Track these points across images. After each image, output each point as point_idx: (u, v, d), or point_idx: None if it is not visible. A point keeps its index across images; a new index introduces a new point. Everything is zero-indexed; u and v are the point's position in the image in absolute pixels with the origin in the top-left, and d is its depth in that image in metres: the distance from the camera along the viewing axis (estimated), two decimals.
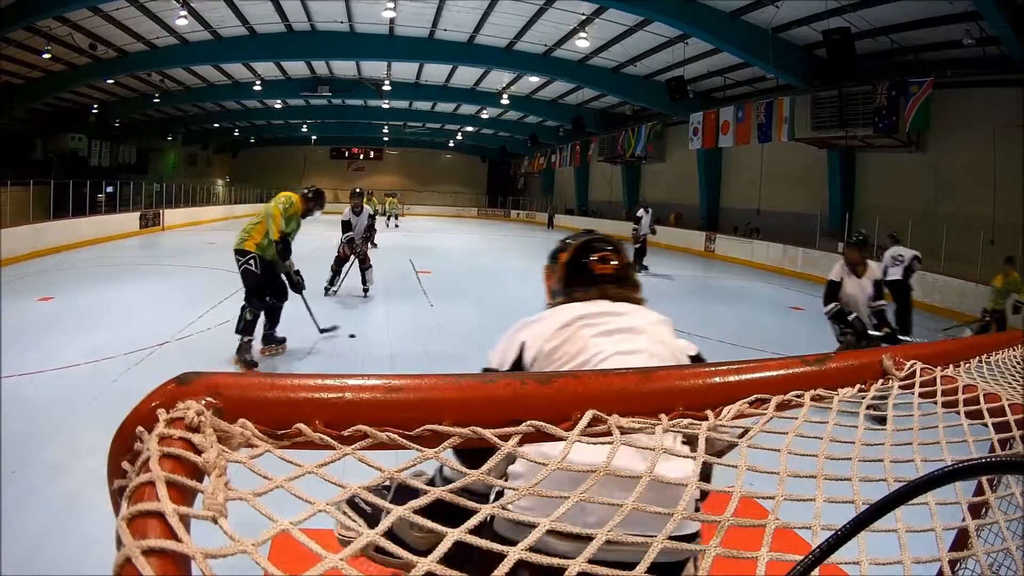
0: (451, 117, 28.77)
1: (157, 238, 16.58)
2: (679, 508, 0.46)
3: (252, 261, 5.07)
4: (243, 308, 5.08)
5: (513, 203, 36.55)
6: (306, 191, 5.45)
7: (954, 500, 0.54)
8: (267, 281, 5.16)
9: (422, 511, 0.40)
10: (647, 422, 0.54)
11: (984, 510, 0.58)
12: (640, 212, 12.89)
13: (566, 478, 0.48)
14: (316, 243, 10.46)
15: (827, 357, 0.70)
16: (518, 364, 1.23)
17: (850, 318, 4.77)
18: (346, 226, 8.06)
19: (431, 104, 25.73)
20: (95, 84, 18.43)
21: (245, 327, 5.05)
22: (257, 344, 5.27)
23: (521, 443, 0.49)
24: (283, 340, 5.55)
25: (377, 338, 6.17)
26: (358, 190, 8.48)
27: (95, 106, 21.20)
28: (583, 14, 13.68)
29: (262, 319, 5.23)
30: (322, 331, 5.87)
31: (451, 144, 35.91)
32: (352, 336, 6.06)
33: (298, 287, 5.34)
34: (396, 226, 23.98)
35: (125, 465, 0.39)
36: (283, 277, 5.29)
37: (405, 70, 20.76)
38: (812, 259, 13.74)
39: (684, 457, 0.57)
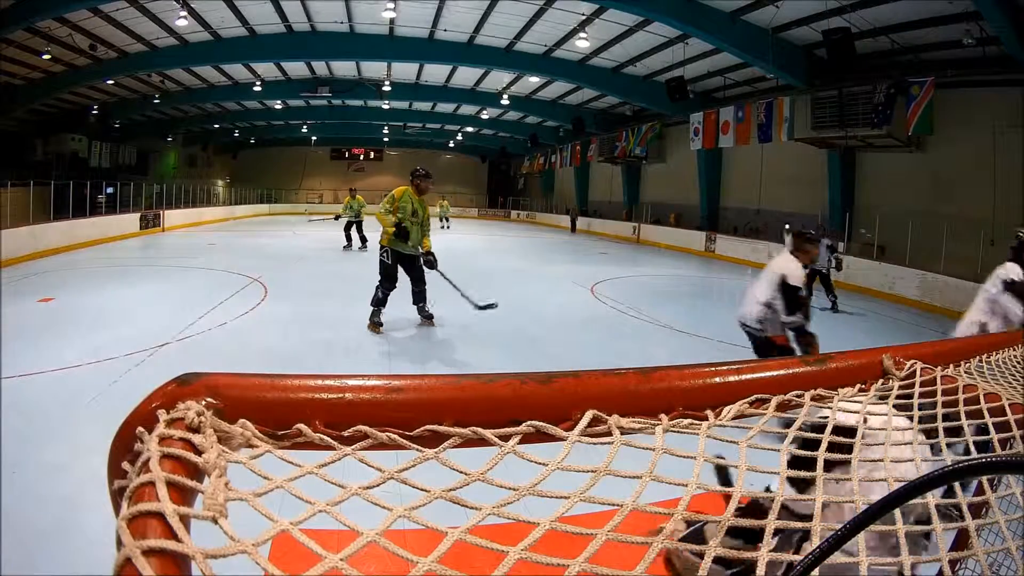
0: (451, 117, 28.78)
1: (157, 239, 16.58)
2: (679, 508, 0.46)
3: (385, 253, 6.30)
4: (376, 287, 6.34)
5: (513, 203, 36.56)
6: (413, 174, 6.41)
7: (954, 500, 0.54)
8: (405, 269, 6.35)
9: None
10: (647, 422, 0.54)
11: (984, 510, 0.58)
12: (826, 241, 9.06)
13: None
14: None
15: (827, 357, 0.70)
16: None
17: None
18: (792, 291, 4.18)
19: (431, 104, 25.74)
20: (95, 85, 18.44)
21: (376, 301, 6.34)
22: (405, 316, 6.66)
23: (521, 443, 0.49)
24: (431, 316, 6.64)
25: (377, 338, 6.18)
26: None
27: (95, 107, 21.22)
28: (583, 14, 13.68)
29: (404, 298, 6.50)
30: (479, 308, 6.41)
31: (451, 144, 35.90)
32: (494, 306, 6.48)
33: (431, 265, 6.30)
34: (448, 227, 24.01)
35: (125, 465, 0.39)
36: (421, 262, 6.31)
37: (405, 70, 20.77)
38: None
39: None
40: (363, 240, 14.22)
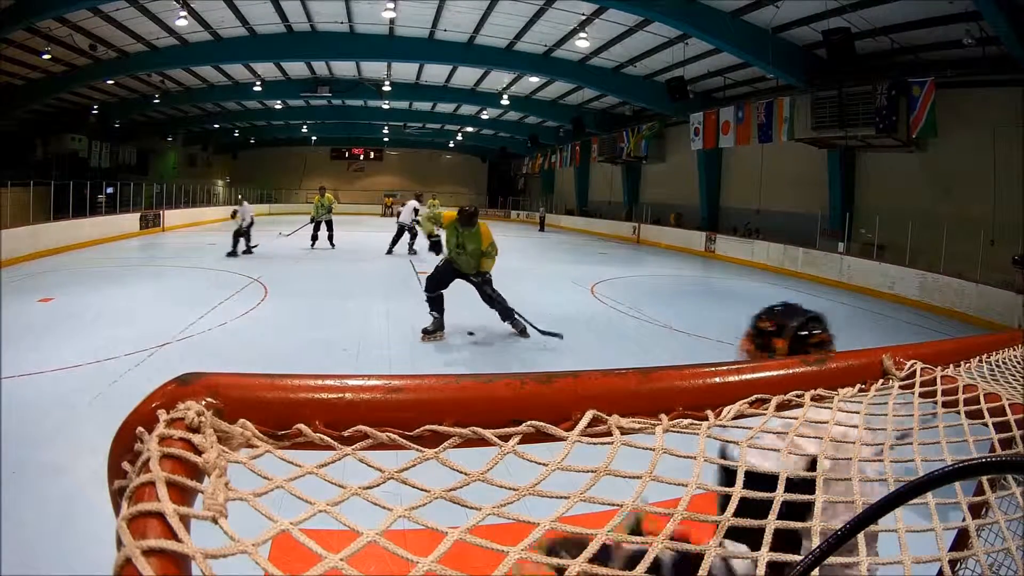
0: (451, 117, 28.77)
1: (157, 239, 16.59)
2: (679, 508, 0.46)
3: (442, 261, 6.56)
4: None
5: (513, 203, 36.55)
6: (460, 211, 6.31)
7: (954, 500, 0.54)
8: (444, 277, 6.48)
9: None
10: (647, 422, 0.54)
11: (984, 510, 0.58)
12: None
13: None
14: None
15: (827, 357, 0.70)
16: None
17: None
18: None
19: (431, 105, 25.73)
20: (95, 85, 18.43)
21: (429, 299, 6.39)
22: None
23: (521, 443, 0.49)
24: (523, 329, 6.48)
25: (377, 338, 6.18)
26: None
27: (95, 107, 21.20)
28: (583, 14, 13.68)
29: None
30: (543, 333, 6.36)
31: (451, 144, 35.90)
32: (471, 334, 6.55)
33: (437, 249, 6.84)
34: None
35: (125, 466, 0.39)
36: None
37: (405, 70, 20.76)
38: (812, 259, 13.74)
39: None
40: (331, 241, 14.38)
